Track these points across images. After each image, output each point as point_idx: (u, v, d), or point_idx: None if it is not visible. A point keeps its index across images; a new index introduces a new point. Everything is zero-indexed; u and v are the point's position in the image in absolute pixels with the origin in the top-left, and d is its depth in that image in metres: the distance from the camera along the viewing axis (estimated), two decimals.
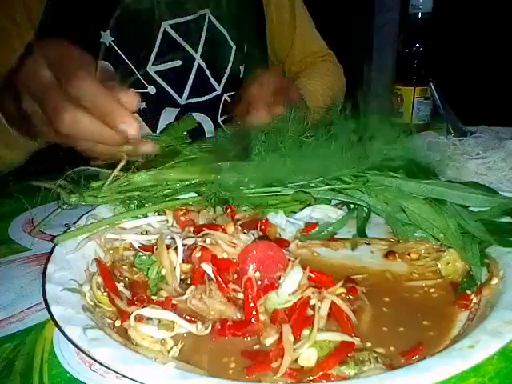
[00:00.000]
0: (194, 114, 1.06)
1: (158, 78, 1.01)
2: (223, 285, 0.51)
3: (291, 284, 0.50)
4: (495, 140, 0.99)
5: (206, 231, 0.56)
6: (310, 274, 0.51)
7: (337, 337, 0.45)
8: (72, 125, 0.58)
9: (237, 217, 0.64)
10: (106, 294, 0.52)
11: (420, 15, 1.11)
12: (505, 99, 1.71)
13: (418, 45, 1.13)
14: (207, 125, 1.11)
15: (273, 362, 0.43)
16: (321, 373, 0.42)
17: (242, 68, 1.15)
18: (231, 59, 1.11)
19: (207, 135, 1.09)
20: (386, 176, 0.64)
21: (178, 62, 1.02)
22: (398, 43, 1.19)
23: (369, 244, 0.65)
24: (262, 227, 0.62)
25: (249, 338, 0.47)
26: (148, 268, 0.55)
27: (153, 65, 0.99)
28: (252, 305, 0.49)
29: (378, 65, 2.48)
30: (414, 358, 0.44)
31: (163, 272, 0.53)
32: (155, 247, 0.56)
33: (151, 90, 1.02)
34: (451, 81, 1.44)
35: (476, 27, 2.02)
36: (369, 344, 0.46)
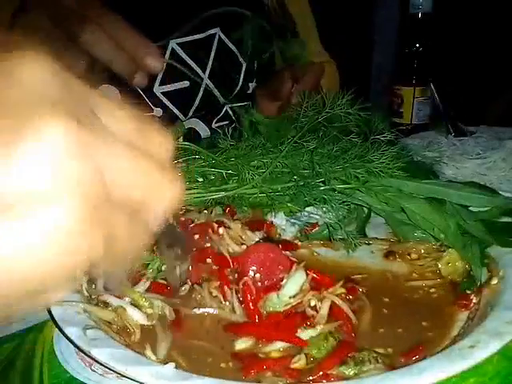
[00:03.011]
0: (188, 120, 1.05)
1: (164, 100, 0.98)
2: (215, 288, 0.51)
3: (293, 287, 0.50)
4: (495, 140, 0.99)
5: (222, 219, 0.57)
6: (314, 275, 0.52)
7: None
8: (90, 38, 0.60)
9: (236, 217, 0.64)
10: None
11: (420, 15, 1.11)
12: (505, 99, 1.71)
13: (417, 45, 1.13)
14: (201, 129, 1.10)
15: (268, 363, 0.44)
16: (321, 373, 0.42)
17: (251, 85, 1.13)
18: (241, 77, 1.10)
19: (203, 137, 1.08)
20: (386, 176, 0.64)
21: (186, 83, 0.99)
22: (397, 43, 1.19)
23: (369, 244, 0.65)
24: (267, 229, 0.62)
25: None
26: (148, 264, 0.55)
27: (160, 85, 0.96)
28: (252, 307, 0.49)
29: (378, 65, 2.48)
30: (413, 358, 0.44)
31: (163, 268, 0.53)
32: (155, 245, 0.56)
33: (158, 112, 0.98)
34: (451, 81, 1.44)
35: (476, 27, 2.02)
36: (369, 344, 0.46)
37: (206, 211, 0.63)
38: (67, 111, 0.21)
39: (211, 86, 1.03)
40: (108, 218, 0.23)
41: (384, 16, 2.44)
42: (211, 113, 1.08)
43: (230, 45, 1.05)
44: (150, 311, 0.48)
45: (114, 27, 0.62)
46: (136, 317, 0.48)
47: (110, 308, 0.49)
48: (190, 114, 1.03)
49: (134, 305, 0.49)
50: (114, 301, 0.49)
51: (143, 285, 0.50)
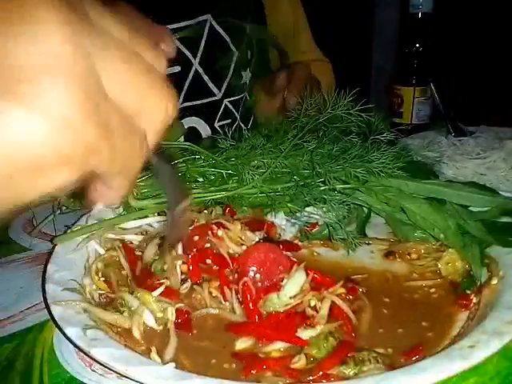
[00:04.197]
0: (189, 118, 1.05)
1: None
2: (215, 288, 0.51)
3: (293, 287, 0.50)
4: (495, 140, 0.99)
5: (221, 220, 0.57)
6: (315, 276, 0.52)
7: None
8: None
9: (236, 217, 0.64)
10: (103, 279, 0.55)
11: (420, 15, 1.11)
12: (505, 99, 1.71)
13: (417, 45, 1.13)
14: (202, 128, 1.10)
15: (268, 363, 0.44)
16: (321, 373, 0.42)
17: (244, 73, 1.14)
18: (232, 65, 1.11)
19: (203, 137, 1.09)
20: (386, 176, 0.64)
21: (177, 68, 1.00)
22: (398, 43, 1.19)
23: (369, 244, 0.65)
24: (267, 229, 0.62)
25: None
26: (153, 261, 0.55)
27: None
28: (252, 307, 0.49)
29: (378, 65, 2.48)
30: (413, 358, 0.44)
31: (165, 267, 0.53)
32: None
33: None
34: (451, 81, 1.44)
35: (476, 27, 2.02)
36: (369, 344, 0.46)
37: (205, 211, 0.63)
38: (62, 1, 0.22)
39: (201, 70, 1.04)
40: (103, 116, 0.23)
41: (384, 16, 2.44)
42: (209, 107, 1.08)
43: (222, 32, 1.06)
44: (159, 315, 0.48)
45: (125, 13, 0.64)
46: (149, 321, 0.48)
47: (113, 309, 0.49)
48: (181, 100, 1.03)
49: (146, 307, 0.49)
50: (132, 301, 0.49)
51: (159, 290, 0.50)
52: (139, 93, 0.25)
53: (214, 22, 1.04)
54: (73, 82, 0.22)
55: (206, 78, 1.06)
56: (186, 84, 1.03)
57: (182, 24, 0.99)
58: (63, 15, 0.22)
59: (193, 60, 1.03)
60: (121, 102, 0.24)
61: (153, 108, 0.26)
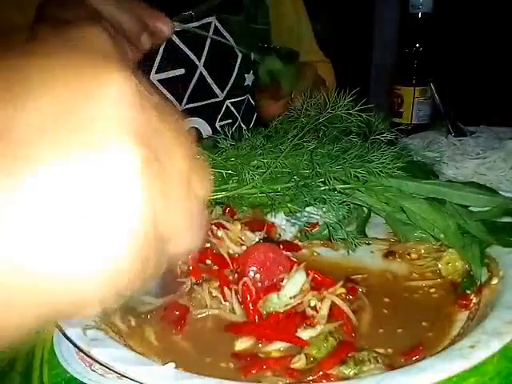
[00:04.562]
0: (191, 119, 1.05)
1: (160, 87, 0.99)
2: (215, 288, 0.51)
3: (293, 287, 0.50)
4: (495, 140, 0.99)
5: (220, 221, 0.57)
6: (316, 276, 0.52)
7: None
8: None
9: (236, 216, 0.64)
10: None
11: (420, 15, 1.11)
12: (505, 99, 1.71)
13: (417, 45, 1.13)
14: (205, 129, 1.10)
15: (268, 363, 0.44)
16: (321, 373, 0.42)
17: (247, 76, 1.14)
18: (236, 67, 1.11)
19: (204, 137, 1.09)
20: (386, 176, 0.64)
21: (182, 71, 1.00)
22: (398, 43, 1.19)
23: (369, 244, 0.65)
24: (267, 229, 0.62)
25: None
26: None
27: (156, 73, 0.98)
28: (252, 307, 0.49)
29: (378, 65, 2.48)
30: (413, 358, 0.44)
31: None
32: None
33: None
34: (451, 81, 1.44)
35: (476, 27, 2.02)
36: (369, 344, 0.46)
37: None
38: (146, 144, 0.22)
39: (205, 73, 1.03)
40: (150, 255, 0.23)
41: (384, 16, 2.44)
42: (210, 108, 1.08)
43: (226, 34, 1.06)
44: None
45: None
46: None
47: None
48: (185, 101, 1.03)
49: None
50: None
51: None
52: (180, 226, 0.25)
53: (218, 25, 1.04)
54: (136, 233, 0.22)
55: (209, 79, 1.06)
56: (191, 86, 1.03)
57: (187, 26, 0.99)
58: (140, 158, 0.21)
59: (197, 62, 1.03)
60: (161, 233, 0.24)
61: (184, 237, 0.26)
